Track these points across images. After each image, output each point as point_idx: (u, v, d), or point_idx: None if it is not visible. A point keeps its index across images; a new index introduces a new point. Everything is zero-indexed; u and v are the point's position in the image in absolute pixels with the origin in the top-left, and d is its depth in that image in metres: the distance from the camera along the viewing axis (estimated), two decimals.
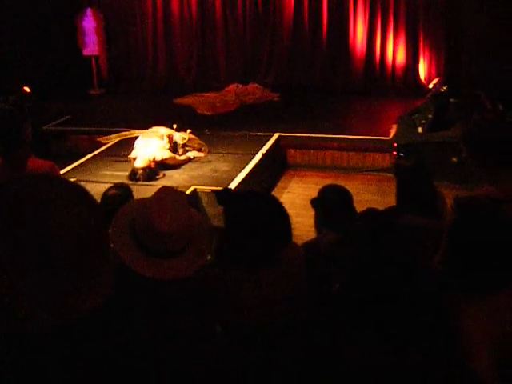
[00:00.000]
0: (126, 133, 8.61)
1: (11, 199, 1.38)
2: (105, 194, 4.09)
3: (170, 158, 8.09)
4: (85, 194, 1.47)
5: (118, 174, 8.07)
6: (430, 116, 9.25)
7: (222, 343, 2.50)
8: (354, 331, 2.23)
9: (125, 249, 2.29)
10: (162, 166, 8.03)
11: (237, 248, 2.77)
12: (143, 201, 2.46)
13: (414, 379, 1.86)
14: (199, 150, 8.63)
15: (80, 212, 1.39)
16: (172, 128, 8.50)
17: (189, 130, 8.58)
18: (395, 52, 12.73)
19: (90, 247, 1.38)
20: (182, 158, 8.29)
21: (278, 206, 2.84)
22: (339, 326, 2.30)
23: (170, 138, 8.24)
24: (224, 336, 2.73)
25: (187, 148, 8.52)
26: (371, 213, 3.03)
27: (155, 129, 8.37)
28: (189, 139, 8.44)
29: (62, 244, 1.33)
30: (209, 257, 2.59)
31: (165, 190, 2.46)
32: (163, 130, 8.33)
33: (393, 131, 9.39)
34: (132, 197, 4.25)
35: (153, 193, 2.43)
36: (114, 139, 8.77)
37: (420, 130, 9.12)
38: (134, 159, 7.88)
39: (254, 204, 2.81)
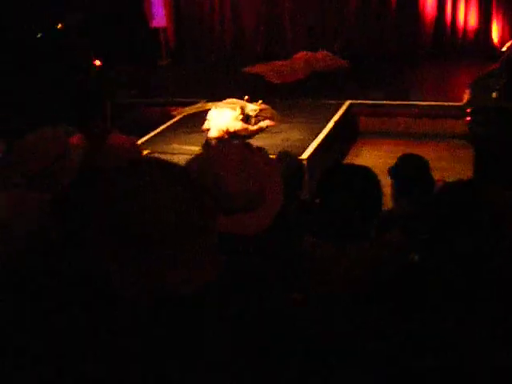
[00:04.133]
0: (199, 105, 8.69)
1: (109, 180, 1.44)
2: (188, 166, 4.14)
3: (243, 128, 8.12)
4: (185, 175, 1.51)
5: (191, 146, 8.18)
6: (504, 80, 9.03)
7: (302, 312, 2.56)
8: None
9: None
10: (235, 136, 8.08)
11: (331, 221, 2.83)
12: (212, 156, 2.48)
13: None
14: (271, 119, 8.63)
15: (180, 193, 1.43)
16: (243, 99, 8.52)
17: (260, 101, 8.59)
18: (467, 14, 12.44)
19: (190, 228, 1.42)
20: (255, 127, 8.30)
21: (374, 179, 2.88)
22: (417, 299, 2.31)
23: (242, 109, 8.26)
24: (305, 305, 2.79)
25: (259, 117, 8.54)
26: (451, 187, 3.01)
27: (228, 100, 8.42)
28: (260, 109, 8.45)
29: (156, 221, 1.37)
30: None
31: (231, 145, 2.48)
32: (235, 102, 8.36)
33: (466, 96, 9.20)
34: None
35: None
36: (187, 111, 8.83)
37: (495, 94, 8.91)
38: (208, 130, 7.95)
39: (351, 178, 2.85)
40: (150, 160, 1.50)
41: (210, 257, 1.48)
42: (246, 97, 8.54)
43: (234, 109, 8.17)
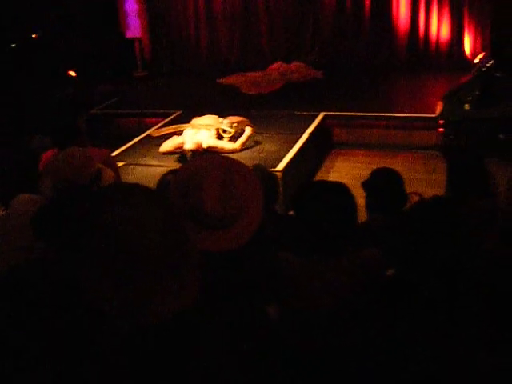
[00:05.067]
0: (176, 126, 8.69)
1: (95, 208, 1.46)
2: (161, 181, 4.15)
3: (218, 147, 8.11)
4: (162, 199, 1.54)
5: (167, 157, 8.20)
6: (476, 92, 9.14)
7: (278, 325, 2.59)
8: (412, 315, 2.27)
9: (181, 220, 2.34)
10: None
11: (306, 236, 2.86)
12: (193, 171, 2.49)
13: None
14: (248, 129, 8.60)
15: (161, 216, 1.45)
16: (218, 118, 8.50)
17: (234, 124, 8.55)
18: (439, 26, 12.56)
19: (173, 251, 1.45)
20: (230, 146, 8.26)
21: (349, 195, 2.93)
22: (397, 312, 2.34)
23: (217, 129, 8.28)
24: (280, 318, 2.82)
25: (235, 131, 8.46)
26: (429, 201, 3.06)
27: (204, 117, 8.43)
28: (236, 122, 8.42)
29: (144, 249, 1.41)
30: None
31: (214, 162, 2.50)
32: (211, 121, 8.38)
33: (439, 108, 9.31)
34: None
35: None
36: (164, 132, 8.76)
37: (467, 106, 9.03)
38: (183, 144, 7.97)
39: (326, 194, 2.89)
40: (132, 185, 1.52)
41: (193, 275, 1.52)
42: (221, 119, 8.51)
43: (209, 129, 8.18)
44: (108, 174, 3.81)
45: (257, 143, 8.55)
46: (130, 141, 9.26)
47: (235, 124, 8.39)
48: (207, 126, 8.26)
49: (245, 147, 8.31)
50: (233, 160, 2.62)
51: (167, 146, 8.28)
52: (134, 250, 1.40)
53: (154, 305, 1.44)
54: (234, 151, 8.02)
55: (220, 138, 8.31)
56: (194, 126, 8.31)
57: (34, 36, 11.57)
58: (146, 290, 1.42)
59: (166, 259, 1.43)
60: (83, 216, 1.46)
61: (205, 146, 7.99)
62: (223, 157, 2.68)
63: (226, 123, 8.37)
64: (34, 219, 2.80)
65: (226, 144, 8.20)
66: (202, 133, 8.13)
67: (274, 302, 2.85)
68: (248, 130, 8.38)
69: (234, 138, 8.37)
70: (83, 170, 3.45)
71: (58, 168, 3.44)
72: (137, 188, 1.51)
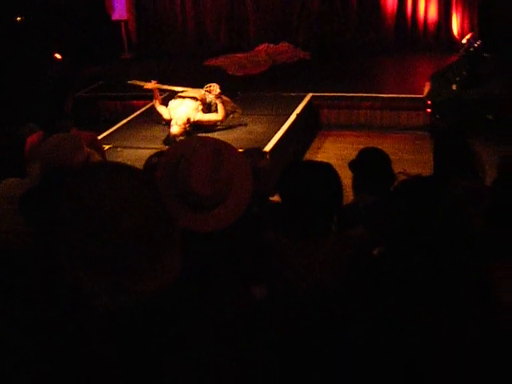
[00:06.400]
0: (168, 86, 8.69)
1: (78, 185, 1.43)
2: (148, 163, 4.12)
3: (204, 120, 8.09)
4: (147, 178, 1.52)
5: (153, 139, 8.16)
6: (464, 72, 9.13)
7: (265, 305, 2.58)
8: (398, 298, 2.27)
9: (169, 201, 2.33)
10: (198, 127, 8.05)
11: (292, 216, 2.84)
12: (182, 153, 2.48)
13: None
14: (233, 113, 8.61)
15: (141, 195, 1.43)
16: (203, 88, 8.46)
17: (216, 84, 8.48)
18: (427, 7, 12.52)
19: (154, 229, 1.43)
20: (215, 117, 8.24)
21: (335, 175, 2.90)
22: (383, 290, 2.34)
23: (202, 99, 8.22)
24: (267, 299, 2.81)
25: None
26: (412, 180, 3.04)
27: (188, 90, 8.40)
28: (223, 101, 8.39)
29: (124, 228, 1.38)
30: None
31: (203, 144, 2.50)
32: (195, 91, 8.34)
33: (426, 89, 9.30)
34: None
35: None
36: (148, 86, 8.56)
37: (454, 87, 9.02)
38: (168, 121, 7.93)
39: (311, 174, 2.87)
40: (116, 164, 1.50)
41: (174, 255, 1.50)
42: (206, 86, 8.45)
43: (195, 100, 8.13)
44: (96, 158, 3.79)
45: (244, 125, 8.52)
46: (116, 124, 9.21)
47: (218, 90, 8.33)
48: (192, 94, 8.25)
49: (227, 117, 8.36)
50: (221, 142, 2.62)
51: (159, 109, 8.31)
52: (115, 230, 1.38)
53: (133, 284, 1.42)
54: (220, 121, 8.10)
55: (208, 110, 8.28)
56: (178, 95, 8.30)
57: (18, 19, 11.45)
58: (125, 269, 1.41)
59: (147, 239, 1.42)
60: (66, 194, 1.43)
61: (192, 120, 7.96)
62: (211, 138, 2.68)
63: (211, 96, 8.32)
64: (21, 201, 2.78)
65: (211, 116, 8.20)
66: (186, 103, 8.09)
67: (260, 281, 2.84)
68: (219, 104, 8.30)
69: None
70: (73, 156, 3.44)
71: (48, 153, 3.42)
72: (122, 167, 1.49)
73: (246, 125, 8.55)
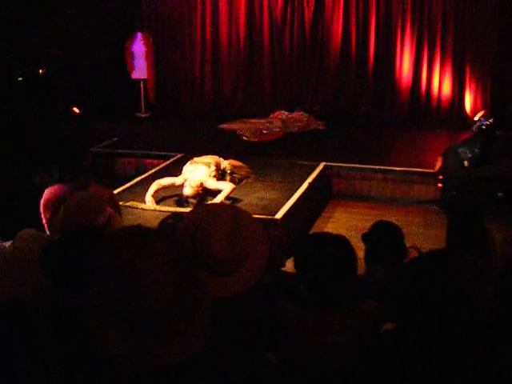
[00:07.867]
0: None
1: (109, 252, 1.47)
2: (163, 223, 4.17)
3: (215, 188, 8.05)
4: (180, 245, 1.55)
5: (166, 200, 8.20)
6: (476, 149, 9.22)
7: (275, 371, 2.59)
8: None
9: None
10: (210, 193, 8.08)
11: (305, 287, 2.87)
12: (202, 218, 2.52)
13: None
14: (246, 178, 8.68)
15: (176, 264, 1.46)
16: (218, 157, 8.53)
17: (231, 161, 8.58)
18: (441, 84, 12.71)
19: (187, 297, 1.46)
20: (224, 189, 8.14)
21: (349, 248, 2.94)
22: (394, 366, 2.34)
23: (217, 165, 8.30)
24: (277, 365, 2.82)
25: (235, 175, 8.56)
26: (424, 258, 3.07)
27: (203, 157, 8.42)
28: (236, 166, 8.48)
29: (159, 296, 1.41)
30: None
31: (222, 210, 2.54)
32: (210, 158, 8.41)
33: (438, 164, 9.39)
34: None
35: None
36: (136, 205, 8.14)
37: (466, 163, 9.10)
38: (182, 185, 7.96)
39: (327, 247, 2.91)
40: (145, 230, 1.52)
41: (203, 326, 1.51)
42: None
43: (209, 166, 8.17)
44: (117, 219, 3.86)
45: (257, 190, 8.57)
46: (129, 181, 9.27)
47: (233, 166, 8.40)
48: (206, 160, 8.27)
49: (240, 182, 8.41)
50: (237, 208, 2.67)
51: (165, 181, 8.27)
52: (150, 298, 1.40)
53: (162, 349, 1.43)
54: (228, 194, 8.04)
55: (219, 178, 8.30)
56: (193, 162, 8.30)
57: (40, 71, 11.65)
58: (156, 335, 1.42)
59: (180, 307, 1.44)
60: (97, 259, 1.46)
61: (205, 185, 7.97)
62: (228, 205, 2.74)
63: (225, 163, 8.39)
64: (43, 255, 2.82)
65: (221, 186, 8.08)
66: (200, 169, 8.11)
67: (273, 349, 2.85)
68: (227, 185, 8.19)
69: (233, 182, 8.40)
70: (97, 217, 3.50)
71: (73, 211, 3.49)
72: (153, 233, 1.52)
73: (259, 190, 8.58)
